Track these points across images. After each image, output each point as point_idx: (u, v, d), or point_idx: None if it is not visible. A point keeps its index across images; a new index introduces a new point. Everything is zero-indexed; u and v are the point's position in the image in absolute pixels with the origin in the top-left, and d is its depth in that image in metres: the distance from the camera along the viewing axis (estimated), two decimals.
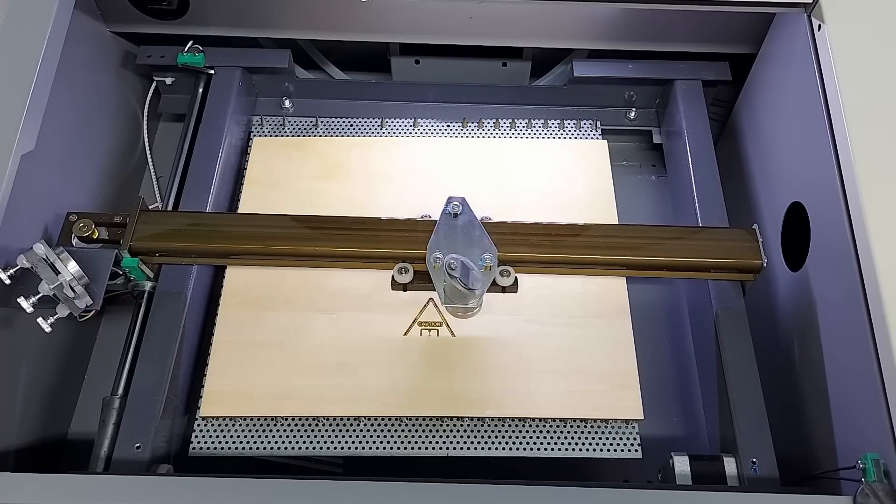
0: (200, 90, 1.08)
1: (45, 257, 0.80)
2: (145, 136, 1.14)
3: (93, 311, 0.84)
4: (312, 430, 0.86)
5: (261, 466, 0.89)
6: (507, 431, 0.86)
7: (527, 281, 0.91)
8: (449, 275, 0.82)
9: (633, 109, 1.15)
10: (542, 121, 1.10)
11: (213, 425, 0.86)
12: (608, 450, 0.85)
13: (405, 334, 0.89)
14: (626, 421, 0.86)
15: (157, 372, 0.84)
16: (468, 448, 0.85)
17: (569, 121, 1.11)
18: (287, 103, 1.13)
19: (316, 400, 0.85)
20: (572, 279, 0.93)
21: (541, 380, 0.86)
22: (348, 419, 0.86)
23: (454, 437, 0.85)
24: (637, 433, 0.86)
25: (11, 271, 0.79)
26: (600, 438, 0.85)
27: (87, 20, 1.01)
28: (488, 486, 0.69)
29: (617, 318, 0.91)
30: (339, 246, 0.91)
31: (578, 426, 0.86)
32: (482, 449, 0.85)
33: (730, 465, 0.80)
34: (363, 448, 0.85)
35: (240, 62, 1.08)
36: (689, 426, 0.96)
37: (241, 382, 0.86)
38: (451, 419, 0.86)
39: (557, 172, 1.03)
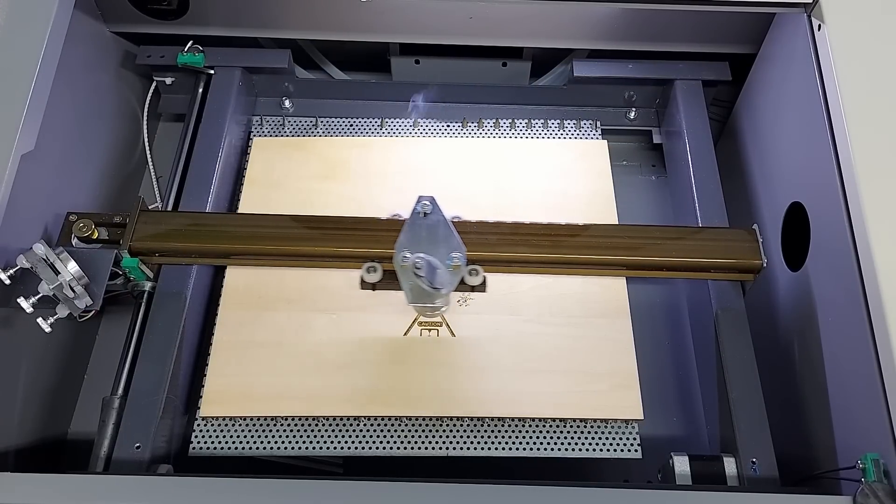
0: (200, 90, 1.08)
1: (44, 257, 0.80)
2: (145, 136, 1.14)
3: (93, 312, 0.84)
4: (312, 430, 0.86)
5: (261, 466, 0.89)
6: (506, 431, 0.86)
7: (527, 281, 0.91)
8: (415, 274, 0.80)
9: (633, 109, 1.15)
10: (542, 121, 1.10)
11: (212, 425, 0.86)
12: (608, 450, 0.85)
13: (405, 334, 0.89)
14: (626, 421, 0.86)
15: (157, 372, 0.84)
16: (468, 448, 0.85)
17: (569, 121, 1.11)
18: (287, 103, 1.13)
19: (316, 400, 0.85)
20: (572, 279, 0.93)
21: (541, 380, 0.86)
22: (348, 419, 0.86)
23: (454, 437, 0.85)
24: (637, 433, 0.86)
25: (11, 271, 0.79)
26: (600, 438, 0.85)
27: (86, 20, 1.01)
28: (488, 486, 0.69)
29: (617, 318, 0.91)
30: (339, 246, 0.91)
31: (578, 426, 0.86)
32: (482, 449, 0.85)
33: (730, 465, 0.80)
34: (363, 448, 0.85)
35: (240, 62, 1.08)
36: (689, 426, 0.96)
37: (241, 382, 0.86)
38: (451, 419, 0.86)
39: (557, 172, 1.03)
